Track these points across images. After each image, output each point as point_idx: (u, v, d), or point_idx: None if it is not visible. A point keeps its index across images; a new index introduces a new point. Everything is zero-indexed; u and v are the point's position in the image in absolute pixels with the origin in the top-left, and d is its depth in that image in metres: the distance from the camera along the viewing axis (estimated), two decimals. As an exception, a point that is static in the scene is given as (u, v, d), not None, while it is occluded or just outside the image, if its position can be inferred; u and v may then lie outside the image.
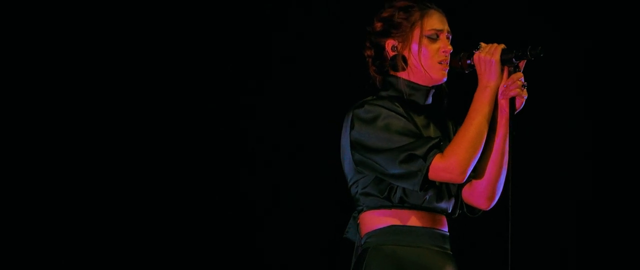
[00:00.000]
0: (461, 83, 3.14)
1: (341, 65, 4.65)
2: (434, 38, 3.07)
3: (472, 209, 3.14)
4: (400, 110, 3.02)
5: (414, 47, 3.06)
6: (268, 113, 4.91)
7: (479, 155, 2.96)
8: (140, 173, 4.80)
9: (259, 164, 4.92)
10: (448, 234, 3.09)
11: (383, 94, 3.10)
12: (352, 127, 3.02)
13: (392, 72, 3.11)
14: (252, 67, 4.90)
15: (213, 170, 4.87)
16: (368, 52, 3.15)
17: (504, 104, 3.00)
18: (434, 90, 3.12)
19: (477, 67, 3.01)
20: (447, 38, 3.08)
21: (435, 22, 3.07)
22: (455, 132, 3.13)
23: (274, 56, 4.92)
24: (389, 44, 3.09)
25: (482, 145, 2.97)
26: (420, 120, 3.07)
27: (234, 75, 4.89)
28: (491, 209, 3.13)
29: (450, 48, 3.07)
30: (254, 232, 4.92)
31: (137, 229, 4.79)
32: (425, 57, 3.06)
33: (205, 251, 4.86)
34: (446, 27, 3.08)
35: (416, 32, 3.06)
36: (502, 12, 4.91)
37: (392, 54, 3.09)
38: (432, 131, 3.09)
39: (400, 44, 3.08)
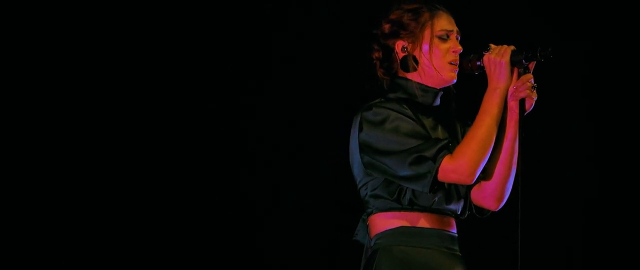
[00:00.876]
0: (470, 84, 3.14)
1: (341, 65, 4.65)
2: (444, 38, 3.08)
3: (480, 210, 3.15)
4: (409, 112, 3.03)
5: (425, 47, 3.07)
6: (268, 113, 4.91)
7: (488, 156, 2.97)
8: (140, 173, 4.79)
9: (259, 164, 4.92)
10: (456, 235, 3.10)
11: (391, 96, 3.11)
12: (360, 130, 3.02)
13: (401, 74, 3.11)
14: (252, 67, 4.90)
15: (213, 170, 4.86)
16: (376, 55, 3.15)
17: (513, 106, 3.00)
18: (442, 92, 3.13)
19: (487, 69, 3.02)
20: (457, 38, 3.10)
21: (445, 22, 3.09)
22: (463, 134, 3.15)
23: (274, 56, 4.92)
24: (399, 45, 3.10)
25: (492, 147, 2.98)
26: (428, 122, 3.08)
27: (234, 75, 4.89)
28: (498, 209, 3.14)
29: (460, 48, 3.08)
30: (254, 232, 4.92)
31: (138, 228, 4.79)
32: (437, 57, 3.07)
33: (205, 251, 4.86)
34: (455, 28, 3.10)
35: (427, 33, 3.07)
36: (502, 13, 4.91)
37: (402, 54, 3.10)
38: (440, 133, 3.09)
39: (411, 44, 3.08)
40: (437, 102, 3.13)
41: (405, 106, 3.04)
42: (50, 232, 4.69)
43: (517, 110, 3.00)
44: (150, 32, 4.80)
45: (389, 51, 3.12)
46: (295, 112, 4.92)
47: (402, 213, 3.03)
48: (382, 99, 3.08)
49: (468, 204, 3.14)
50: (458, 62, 3.07)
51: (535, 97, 3.00)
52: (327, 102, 4.84)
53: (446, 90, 3.14)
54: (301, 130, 4.90)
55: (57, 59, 4.71)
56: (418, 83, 3.10)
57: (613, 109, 5.00)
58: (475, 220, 3.18)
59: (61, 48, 4.71)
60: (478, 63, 3.04)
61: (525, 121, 3.01)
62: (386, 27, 3.13)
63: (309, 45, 4.92)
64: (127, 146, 4.79)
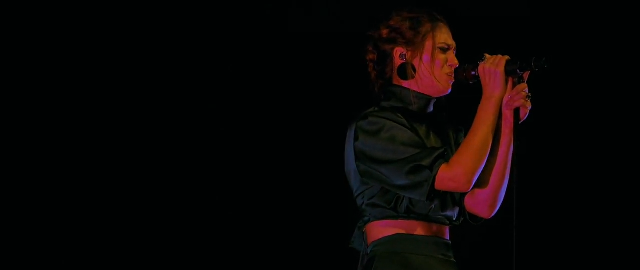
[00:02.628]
0: (464, 93, 3.17)
1: (341, 66, 4.66)
2: (444, 50, 3.11)
3: (474, 217, 3.18)
4: (403, 121, 3.05)
5: (426, 57, 3.10)
6: (267, 113, 4.92)
7: (484, 164, 3.00)
8: (140, 173, 4.81)
9: (258, 164, 4.93)
10: (450, 242, 3.13)
11: (384, 104, 3.13)
12: (356, 139, 3.04)
13: (395, 81, 3.14)
14: (252, 67, 4.91)
15: (213, 170, 4.88)
16: (370, 56, 3.18)
17: (508, 115, 3.03)
18: (435, 100, 3.16)
19: (482, 78, 3.04)
20: (453, 52, 3.12)
21: (446, 35, 3.12)
22: (455, 140, 3.19)
23: (273, 56, 4.93)
24: (397, 51, 3.12)
25: (487, 155, 3.00)
26: (422, 129, 3.11)
27: (233, 75, 4.90)
28: (493, 216, 3.17)
29: (456, 62, 3.11)
30: (254, 232, 4.93)
31: (137, 229, 4.81)
32: (436, 69, 3.10)
33: (205, 251, 4.88)
34: (454, 42, 3.12)
35: (428, 43, 3.09)
36: (503, 13, 4.91)
37: (399, 61, 3.12)
38: (433, 140, 3.12)
39: (410, 52, 3.11)
40: (430, 109, 3.16)
41: (399, 115, 3.06)
42: (50, 232, 4.71)
43: (511, 119, 3.03)
44: (150, 33, 4.82)
45: (385, 56, 3.14)
46: (295, 112, 4.93)
47: (399, 221, 3.06)
48: (377, 108, 3.10)
49: (462, 210, 3.16)
50: (453, 75, 3.10)
51: (529, 106, 3.03)
52: (327, 102, 4.85)
53: (438, 97, 3.16)
54: (301, 131, 4.91)
55: (57, 60, 4.73)
56: (415, 92, 3.12)
57: (611, 110, 5.01)
58: (471, 226, 3.21)
59: (62, 49, 4.73)
60: (473, 73, 3.06)
61: (519, 130, 3.03)
62: (384, 32, 3.15)
63: (309, 45, 4.93)
64: (127, 146, 4.81)
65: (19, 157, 4.70)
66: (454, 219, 3.14)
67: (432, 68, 3.09)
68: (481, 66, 3.04)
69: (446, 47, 3.11)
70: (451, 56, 3.11)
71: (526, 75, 3.04)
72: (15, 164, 4.69)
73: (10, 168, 4.69)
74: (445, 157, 2.99)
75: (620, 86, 5.00)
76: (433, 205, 3.06)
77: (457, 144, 3.16)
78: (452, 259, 3.12)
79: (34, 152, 4.72)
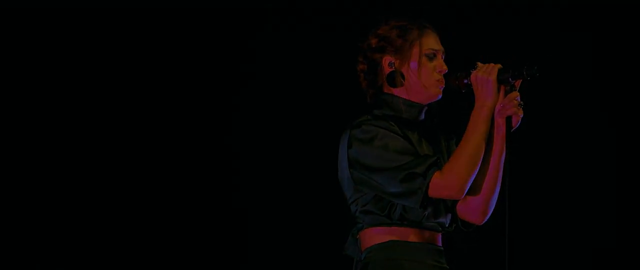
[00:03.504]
0: (456, 101, 3.18)
1: (339, 66, 4.66)
2: (431, 57, 3.13)
3: (466, 224, 3.20)
4: (396, 129, 3.08)
5: (413, 64, 3.12)
6: (265, 114, 4.94)
7: (476, 172, 3.02)
8: (138, 173, 4.83)
9: (257, 165, 4.95)
10: (443, 248, 3.16)
11: (377, 112, 3.16)
12: (349, 147, 3.07)
13: (386, 90, 3.16)
14: (248, 68, 4.93)
15: (211, 172, 4.90)
16: (361, 67, 3.21)
17: (500, 122, 3.05)
18: (427, 107, 3.18)
19: (474, 87, 3.06)
20: (442, 57, 3.14)
21: (433, 41, 3.14)
22: (447, 148, 3.21)
23: (268, 57, 4.94)
24: (386, 60, 3.15)
25: (480, 163, 3.02)
26: (414, 137, 3.13)
27: (231, 75, 4.92)
28: (485, 223, 3.19)
29: (445, 68, 3.14)
30: (252, 233, 4.95)
31: (136, 229, 4.83)
32: (424, 75, 3.12)
33: (203, 252, 4.89)
34: (441, 47, 3.15)
35: (415, 51, 3.12)
36: (504, 12, 4.92)
37: (388, 70, 3.14)
38: (425, 147, 3.14)
39: (398, 60, 3.13)
40: (422, 116, 3.18)
41: (392, 123, 3.09)
42: (44, 234, 4.74)
43: (503, 127, 3.05)
44: (148, 33, 4.84)
45: (375, 65, 3.17)
46: (294, 112, 4.94)
47: (392, 228, 3.09)
48: (369, 117, 3.12)
49: (454, 216, 3.19)
50: (443, 81, 3.12)
51: (521, 114, 3.05)
52: (326, 102, 4.86)
53: (429, 104, 3.19)
54: (300, 131, 4.92)
55: (56, 61, 4.75)
56: (405, 99, 3.14)
57: (603, 116, 5.02)
58: (463, 233, 3.23)
59: (60, 50, 4.75)
60: (465, 81, 3.08)
61: (511, 138, 3.05)
62: (373, 41, 3.18)
63: (306, 46, 4.94)
64: (125, 146, 4.83)
65: (16, 157, 4.73)
66: (446, 225, 3.16)
67: (419, 74, 3.12)
68: (473, 74, 3.06)
69: (433, 53, 3.13)
70: (440, 62, 3.14)
71: (518, 83, 3.06)
72: (13, 164, 4.72)
73: (10, 168, 4.71)
74: (438, 165, 3.01)
75: (615, 91, 5.00)
76: (426, 213, 3.08)
77: (449, 152, 3.19)
78: (445, 265, 3.14)
79: (33, 154, 4.75)
